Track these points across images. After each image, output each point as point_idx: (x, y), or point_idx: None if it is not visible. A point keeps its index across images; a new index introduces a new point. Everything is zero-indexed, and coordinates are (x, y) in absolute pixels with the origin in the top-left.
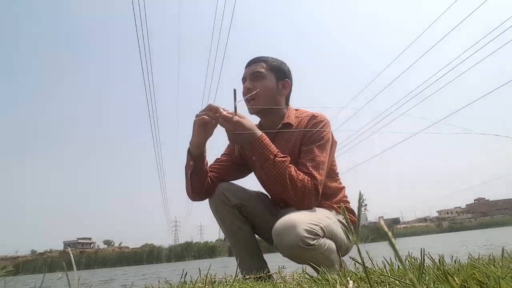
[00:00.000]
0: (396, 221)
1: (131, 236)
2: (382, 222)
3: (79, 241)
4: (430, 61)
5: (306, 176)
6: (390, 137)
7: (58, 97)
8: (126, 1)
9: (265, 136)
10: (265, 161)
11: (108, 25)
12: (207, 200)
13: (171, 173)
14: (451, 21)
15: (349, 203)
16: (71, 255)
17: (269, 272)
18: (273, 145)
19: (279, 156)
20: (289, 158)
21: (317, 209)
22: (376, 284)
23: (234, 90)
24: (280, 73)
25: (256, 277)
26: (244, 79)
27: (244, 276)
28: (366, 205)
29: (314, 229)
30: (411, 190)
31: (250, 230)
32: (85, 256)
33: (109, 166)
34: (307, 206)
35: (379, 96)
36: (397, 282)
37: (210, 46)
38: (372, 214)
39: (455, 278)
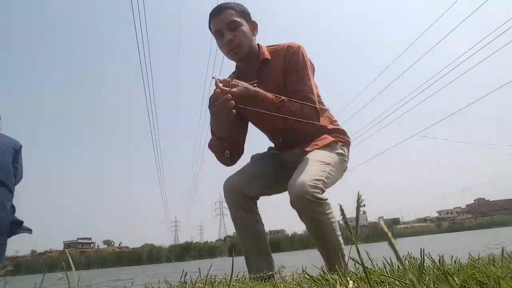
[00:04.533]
0: (396, 221)
1: (131, 236)
2: (382, 222)
3: (79, 241)
4: (429, 59)
5: (302, 100)
6: (389, 138)
7: (55, 95)
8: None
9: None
10: (267, 102)
11: (106, 23)
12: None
13: (171, 173)
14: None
15: (336, 121)
16: (69, 257)
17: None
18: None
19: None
20: (285, 98)
21: (319, 154)
22: (376, 284)
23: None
24: (247, 16)
25: (256, 277)
26: (218, 32)
27: (249, 276)
28: (364, 205)
29: (318, 184)
30: (411, 190)
31: (263, 229)
32: (85, 256)
33: (109, 166)
34: (312, 122)
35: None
36: (397, 282)
37: (210, 45)
38: (372, 214)
39: (455, 278)
